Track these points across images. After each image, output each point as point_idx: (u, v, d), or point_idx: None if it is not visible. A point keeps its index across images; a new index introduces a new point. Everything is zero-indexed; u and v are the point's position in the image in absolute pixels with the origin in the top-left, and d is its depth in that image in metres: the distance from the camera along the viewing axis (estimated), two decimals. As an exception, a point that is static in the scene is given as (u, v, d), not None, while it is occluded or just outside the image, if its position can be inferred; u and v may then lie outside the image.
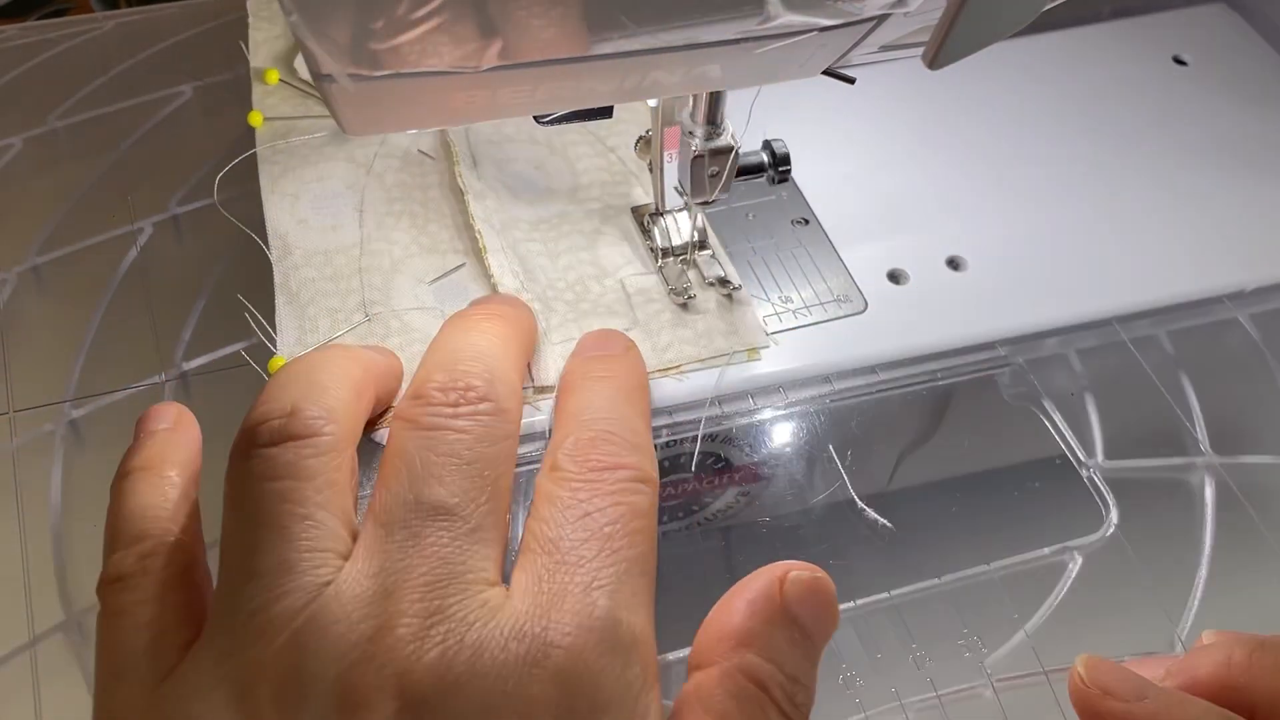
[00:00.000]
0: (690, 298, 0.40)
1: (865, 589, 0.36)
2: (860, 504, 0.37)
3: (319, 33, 0.23)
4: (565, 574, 0.25)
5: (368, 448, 0.34)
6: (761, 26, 0.25)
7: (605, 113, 0.34)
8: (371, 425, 0.34)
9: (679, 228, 0.41)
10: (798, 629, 0.26)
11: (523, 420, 0.33)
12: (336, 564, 0.25)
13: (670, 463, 0.38)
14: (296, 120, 0.45)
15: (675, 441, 0.38)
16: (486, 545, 0.26)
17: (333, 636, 0.24)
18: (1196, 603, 0.36)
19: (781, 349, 0.40)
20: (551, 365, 0.37)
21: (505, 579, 0.26)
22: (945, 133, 0.49)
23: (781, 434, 0.39)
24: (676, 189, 0.39)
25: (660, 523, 0.37)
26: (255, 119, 0.45)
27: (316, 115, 0.45)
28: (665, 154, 0.38)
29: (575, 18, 0.24)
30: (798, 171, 0.42)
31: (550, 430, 0.34)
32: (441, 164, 0.44)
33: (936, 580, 0.36)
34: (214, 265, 0.42)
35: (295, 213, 0.42)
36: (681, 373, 0.38)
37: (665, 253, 0.41)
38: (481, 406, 0.28)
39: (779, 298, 0.41)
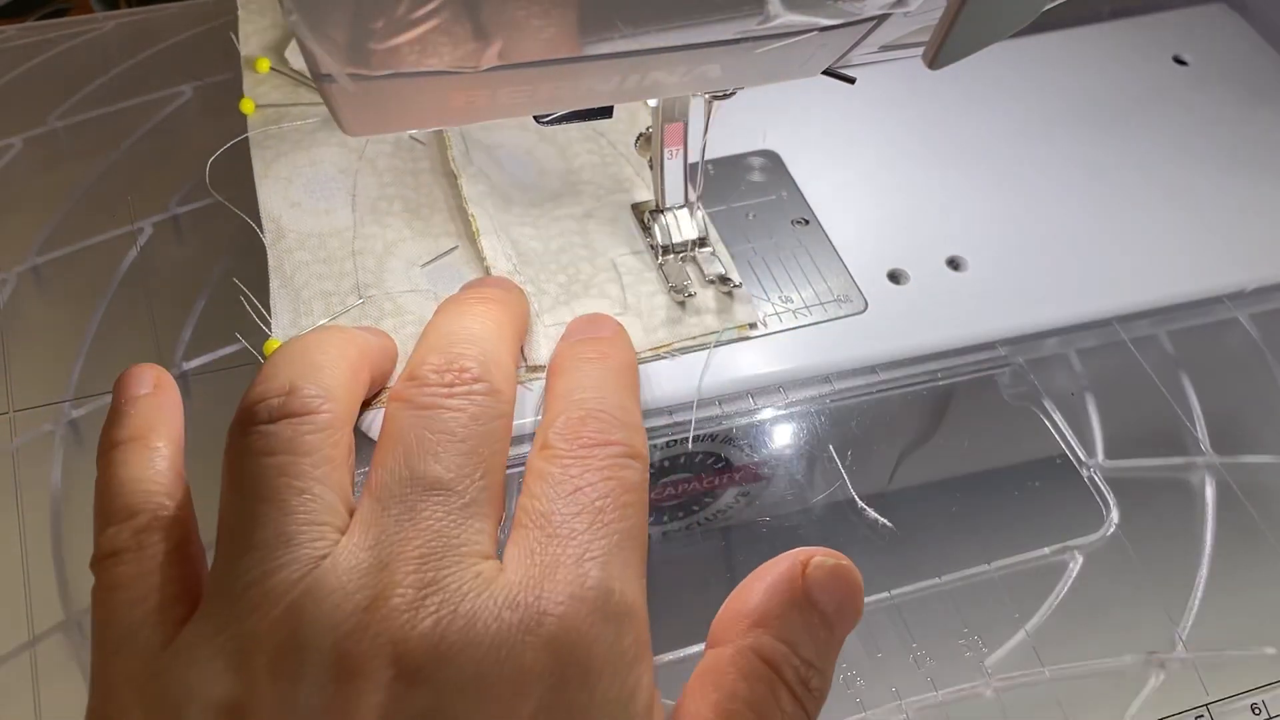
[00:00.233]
0: (690, 295, 0.40)
1: (865, 589, 0.35)
2: (860, 504, 0.37)
3: (319, 32, 0.23)
4: (557, 546, 0.25)
5: (361, 439, 0.34)
6: (761, 26, 0.25)
7: (605, 112, 0.34)
8: (366, 405, 0.35)
9: (679, 225, 0.41)
10: (817, 614, 0.26)
11: (514, 423, 0.33)
12: (333, 537, 0.25)
13: (670, 462, 0.38)
14: (288, 107, 0.45)
15: (675, 441, 0.38)
16: (481, 520, 0.26)
17: (329, 607, 0.24)
18: (1197, 603, 0.36)
19: (781, 349, 0.40)
20: (544, 346, 0.38)
21: (499, 557, 0.26)
22: (945, 133, 0.49)
23: (781, 434, 0.39)
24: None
25: (660, 523, 0.37)
26: (247, 106, 0.45)
27: (308, 102, 0.46)
28: (666, 151, 0.38)
29: (575, 18, 0.24)
30: (798, 172, 0.42)
31: (541, 411, 0.34)
32: (433, 149, 0.44)
33: (936, 580, 0.36)
34: (214, 265, 0.42)
35: (288, 196, 0.42)
36: (671, 350, 0.39)
37: (665, 250, 0.41)
38: (476, 387, 0.28)
39: (779, 298, 0.41)
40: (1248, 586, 0.37)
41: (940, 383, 0.41)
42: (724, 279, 0.41)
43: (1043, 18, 0.30)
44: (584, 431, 0.28)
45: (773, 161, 0.46)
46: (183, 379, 0.39)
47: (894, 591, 0.36)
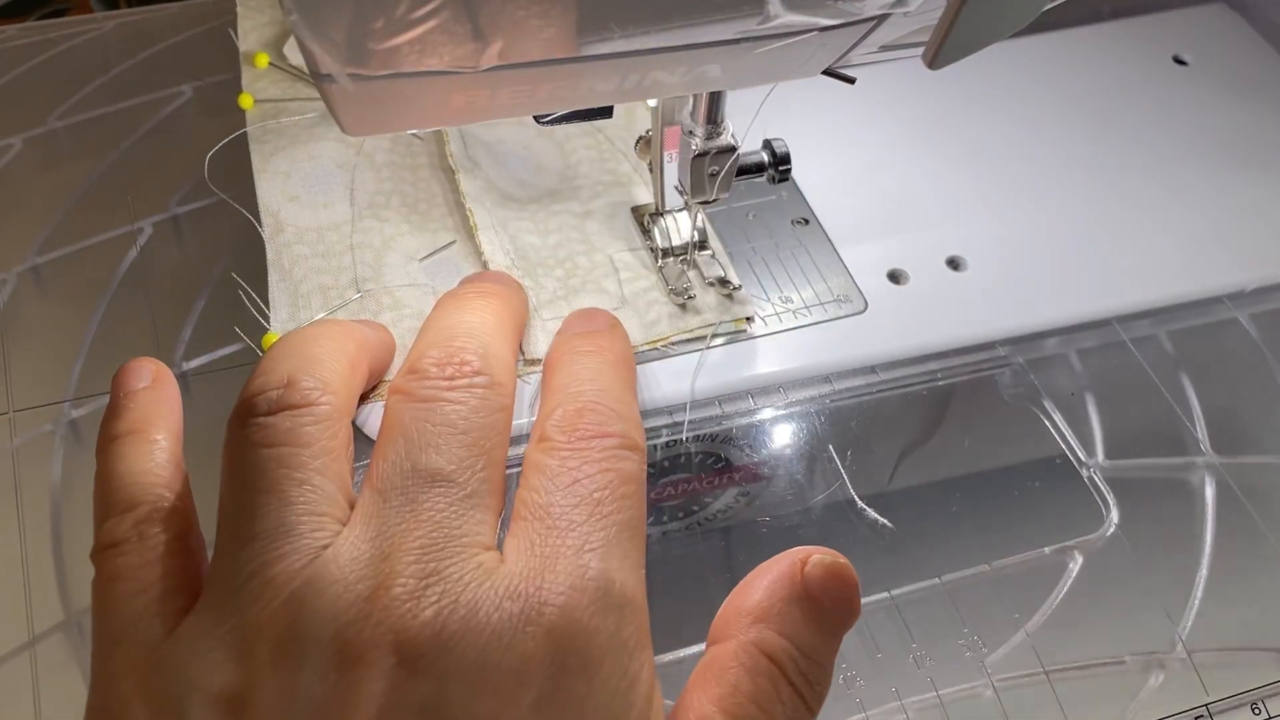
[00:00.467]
0: (690, 298, 0.40)
1: (865, 589, 0.35)
2: (860, 504, 0.37)
3: (319, 32, 0.23)
4: (557, 538, 0.26)
5: (357, 434, 0.34)
6: (761, 26, 0.25)
7: (605, 112, 0.34)
8: (364, 398, 0.35)
9: (679, 228, 0.41)
10: (816, 611, 0.26)
11: (513, 422, 0.33)
12: (334, 528, 0.25)
13: (670, 462, 0.38)
14: (287, 103, 0.45)
15: (675, 441, 0.38)
16: (482, 511, 0.26)
17: (330, 597, 0.24)
18: (1196, 603, 0.36)
19: (781, 349, 0.40)
20: (541, 339, 0.38)
21: (499, 549, 0.26)
22: (945, 133, 0.49)
23: (781, 434, 0.39)
24: (677, 188, 0.39)
25: (660, 523, 0.37)
26: (246, 101, 0.45)
27: (306, 98, 0.46)
28: (665, 154, 0.38)
29: (575, 18, 0.24)
30: (798, 171, 0.42)
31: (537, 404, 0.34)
32: (432, 144, 0.44)
33: (936, 580, 0.36)
34: (214, 265, 0.42)
35: (287, 190, 0.42)
36: (668, 344, 0.39)
37: (665, 253, 0.41)
38: (476, 380, 0.28)
39: (779, 298, 0.41)
40: (1248, 586, 0.37)
41: (940, 383, 0.41)
42: (724, 281, 0.41)
43: (1043, 18, 0.30)
44: (581, 423, 0.28)
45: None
46: (183, 379, 0.39)
47: (894, 591, 0.36)
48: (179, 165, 0.46)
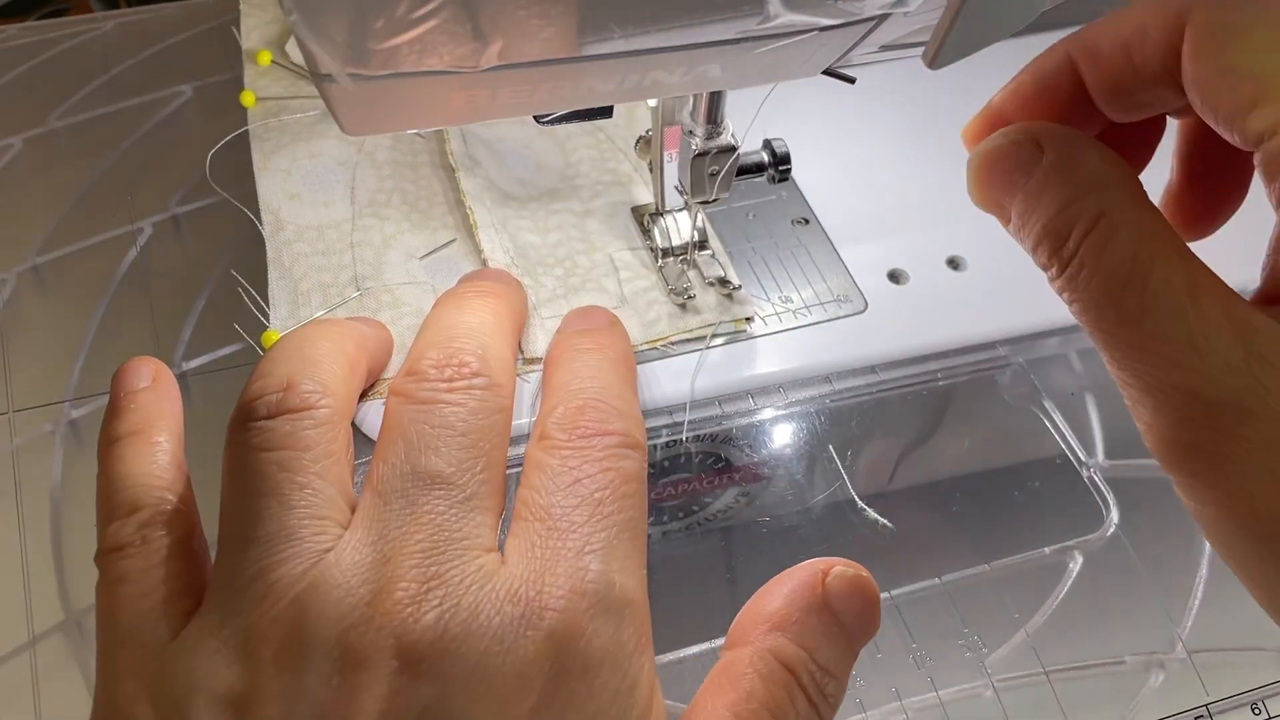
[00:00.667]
0: (690, 298, 0.40)
1: (865, 589, 0.36)
2: (860, 504, 0.37)
3: (319, 32, 0.23)
4: (558, 539, 0.26)
5: (355, 433, 0.34)
6: (761, 26, 0.25)
7: (605, 112, 0.34)
8: (363, 396, 0.35)
9: (679, 228, 0.41)
10: (835, 623, 0.26)
11: (513, 422, 0.33)
12: (336, 532, 0.26)
13: (670, 462, 0.38)
14: (288, 100, 0.46)
15: (675, 441, 0.38)
16: (482, 513, 0.26)
17: (333, 600, 0.24)
18: (1196, 603, 0.36)
19: (781, 349, 0.40)
20: (541, 338, 0.38)
21: (500, 549, 0.26)
22: (945, 132, 0.49)
23: (781, 434, 0.39)
24: (677, 188, 0.39)
25: (660, 523, 0.37)
26: (248, 99, 0.45)
27: (307, 95, 0.46)
28: (665, 154, 0.38)
29: (575, 18, 0.24)
30: (798, 171, 0.42)
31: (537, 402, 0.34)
32: (432, 143, 0.45)
33: (936, 580, 0.36)
34: (214, 265, 0.42)
35: (287, 188, 0.42)
36: (668, 343, 0.39)
37: (665, 253, 0.41)
38: (475, 381, 0.28)
39: (779, 298, 0.41)
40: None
41: (940, 383, 0.41)
42: (724, 281, 0.41)
43: (1043, 18, 0.30)
44: (582, 421, 0.28)
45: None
46: (183, 379, 0.39)
47: (894, 591, 0.36)
48: (179, 165, 0.46)
